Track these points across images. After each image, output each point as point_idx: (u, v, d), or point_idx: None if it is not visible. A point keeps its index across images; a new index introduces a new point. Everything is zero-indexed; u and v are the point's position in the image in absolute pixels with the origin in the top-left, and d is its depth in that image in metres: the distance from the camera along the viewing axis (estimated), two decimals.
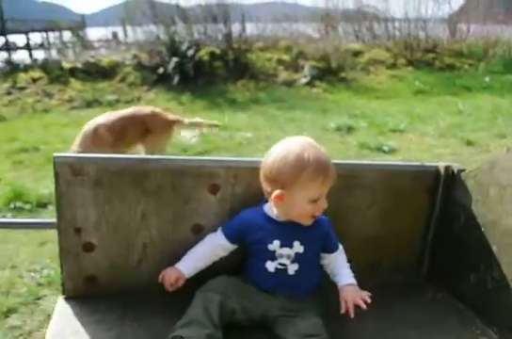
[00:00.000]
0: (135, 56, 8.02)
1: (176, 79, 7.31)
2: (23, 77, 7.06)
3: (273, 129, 5.39)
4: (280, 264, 1.23)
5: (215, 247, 1.30)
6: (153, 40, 8.44)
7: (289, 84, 7.75)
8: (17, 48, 33.43)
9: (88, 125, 3.48)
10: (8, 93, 6.72)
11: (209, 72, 7.79)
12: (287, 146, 1.19)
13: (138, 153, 3.73)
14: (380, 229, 1.45)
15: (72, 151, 3.30)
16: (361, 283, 1.26)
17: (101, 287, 1.35)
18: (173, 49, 7.76)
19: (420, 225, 1.50)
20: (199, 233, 1.35)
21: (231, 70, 8.03)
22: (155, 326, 1.21)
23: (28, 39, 34.26)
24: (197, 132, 3.98)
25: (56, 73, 7.21)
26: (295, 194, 1.17)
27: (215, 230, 1.32)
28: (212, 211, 1.34)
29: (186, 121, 3.84)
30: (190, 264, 1.29)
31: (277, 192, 1.17)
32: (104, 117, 3.62)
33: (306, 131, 5.04)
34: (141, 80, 7.51)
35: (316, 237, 1.25)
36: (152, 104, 6.90)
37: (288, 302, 1.21)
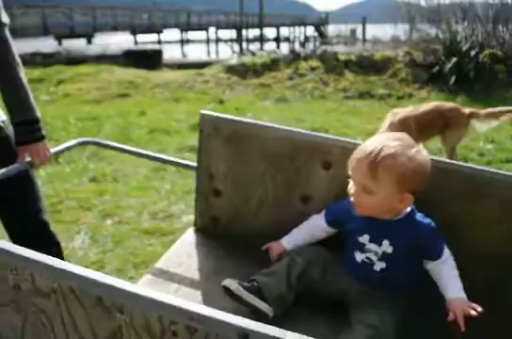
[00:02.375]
0: (407, 53, 7.89)
1: (452, 79, 6.93)
2: (303, 65, 7.67)
3: None
4: (367, 258, 1.22)
5: (316, 228, 1.35)
6: (428, 39, 8.16)
7: None
8: (268, 40, 36.72)
9: (396, 116, 3.52)
10: (290, 78, 7.38)
11: (488, 76, 7.15)
12: (384, 135, 1.20)
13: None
14: (507, 247, 1.25)
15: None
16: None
17: (223, 227, 1.56)
18: (452, 48, 7.37)
19: None
20: (306, 202, 1.43)
21: None
22: (250, 268, 1.30)
23: (278, 32, 37.07)
24: (493, 122, 3.71)
25: (332, 64, 7.61)
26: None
27: (321, 202, 1.37)
28: (321, 185, 1.39)
29: (482, 112, 3.65)
30: (292, 240, 1.36)
31: None
32: (412, 110, 3.68)
33: None
34: (413, 77, 7.35)
35: (409, 240, 1.18)
36: (424, 102, 6.70)
37: (369, 292, 1.21)
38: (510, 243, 1.24)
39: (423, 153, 1.15)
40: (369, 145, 1.13)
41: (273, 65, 7.73)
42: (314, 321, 1.21)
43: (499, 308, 1.21)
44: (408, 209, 1.20)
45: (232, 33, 33.57)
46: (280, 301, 1.19)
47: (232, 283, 1.18)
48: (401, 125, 3.48)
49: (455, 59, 7.08)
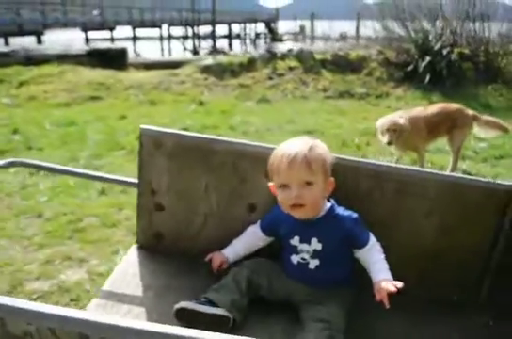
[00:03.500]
0: (380, 52, 8.02)
1: (427, 78, 7.10)
2: (281, 65, 7.61)
3: None
4: (302, 258, 1.30)
5: (254, 237, 1.41)
6: (396, 37, 8.33)
7: None
8: (220, 37, 36.38)
9: (405, 117, 3.55)
10: (270, 78, 7.30)
11: (458, 74, 7.39)
12: (285, 142, 1.30)
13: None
14: (437, 241, 1.38)
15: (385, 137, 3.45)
16: (410, 295, 1.22)
17: (167, 244, 1.53)
18: (424, 47, 7.56)
19: (484, 243, 1.38)
20: (252, 211, 1.46)
21: (481, 72, 7.51)
22: (200, 285, 1.33)
23: (230, 29, 36.91)
24: (490, 132, 3.86)
25: (309, 63, 7.60)
26: (274, 183, 1.27)
27: (267, 211, 1.40)
28: (266, 194, 1.38)
29: (483, 118, 3.80)
30: (234, 251, 1.42)
31: (270, 185, 1.30)
32: (421, 111, 3.77)
33: None
34: (388, 76, 7.49)
35: (335, 234, 1.27)
36: (401, 100, 6.83)
37: (312, 291, 1.28)
38: (439, 235, 1.37)
39: (319, 140, 1.32)
40: (287, 150, 1.24)
41: (250, 65, 7.62)
42: (270, 323, 1.26)
43: (432, 294, 1.34)
44: (329, 205, 1.30)
45: (183, 30, 33.01)
46: (235, 306, 1.23)
47: (184, 303, 1.21)
48: (411, 127, 3.50)
49: (428, 58, 7.26)
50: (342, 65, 7.68)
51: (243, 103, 6.60)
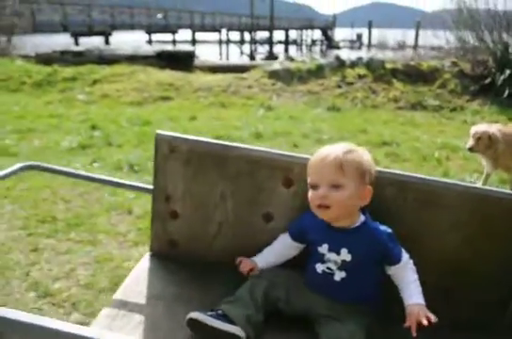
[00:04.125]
0: (454, 64, 7.74)
1: (506, 92, 6.78)
2: (350, 73, 7.50)
3: None
4: (327, 268, 1.24)
5: (285, 245, 1.35)
6: (470, 48, 8.01)
7: None
8: (276, 42, 36.61)
9: (501, 131, 3.38)
10: (339, 86, 7.21)
11: None
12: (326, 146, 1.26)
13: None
14: (462, 255, 1.32)
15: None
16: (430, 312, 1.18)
17: (180, 252, 1.49)
18: (504, 60, 7.22)
19: (510, 258, 1.30)
20: (269, 221, 1.41)
21: None
22: (213, 295, 1.30)
23: (287, 35, 37.09)
24: None
25: (379, 72, 7.45)
26: (308, 182, 1.23)
27: (284, 221, 1.37)
28: (283, 203, 1.37)
29: None
30: (264, 258, 1.36)
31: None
32: (501, 127, 3.58)
33: None
34: (462, 88, 7.20)
35: (367, 247, 1.21)
36: (477, 115, 6.55)
37: (333, 305, 1.22)
38: (461, 250, 1.31)
39: (363, 148, 1.27)
40: (324, 150, 1.22)
41: (318, 72, 7.56)
42: None
43: (451, 313, 1.27)
44: (363, 218, 1.24)
45: (240, 35, 33.41)
46: (250, 322, 1.17)
47: (196, 315, 1.16)
48: (507, 144, 3.34)
49: (508, 72, 6.93)
50: (413, 75, 7.47)
51: (312, 109, 6.55)
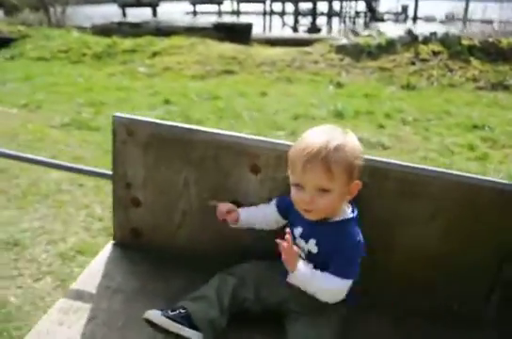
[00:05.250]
0: None
1: None
2: (424, 49, 7.08)
3: None
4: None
5: (271, 211, 1.27)
6: None
7: None
8: (320, 14, 35.35)
9: None
10: (412, 63, 6.82)
11: None
12: (314, 129, 1.14)
13: None
14: (442, 246, 1.25)
15: None
16: (410, 304, 1.22)
17: (144, 241, 1.43)
18: None
19: (496, 251, 1.23)
20: None
21: None
22: (176, 288, 1.25)
23: (331, 6, 35.66)
24: None
25: (455, 49, 6.99)
26: (290, 174, 1.13)
27: None
28: (251, 190, 1.29)
29: None
30: (247, 212, 1.27)
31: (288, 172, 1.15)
32: None
33: None
34: None
35: (333, 246, 1.11)
36: None
37: (303, 299, 1.13)
38: (444, 239, 1.23)
39: (353, 134, 1.13)
40: (310, 144, 1.06)
41: (389, 47, 7.17)
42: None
43: (432, 306, 1.23)
44: (350, 215, 1.15)
45: (282, 5, 32.46)
46: (212, 327, 1.10)
47: (154, 315, 1.07)
48: None
49: None
50: (492, 53, 6.98)
51: (385, 87, 6.23)
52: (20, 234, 2.29)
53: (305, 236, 1.15)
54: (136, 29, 9.77)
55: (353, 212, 1.16)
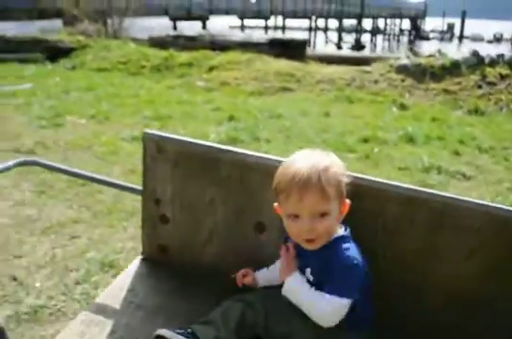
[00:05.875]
0: None
1: None
2: (491, 72, 6.85)
3: None
4: None
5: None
6: None
7: None
8: (364, 31, 35.30)
9: None
10: (479, 86, 6.61)
11: None
12: (295, 156, 1.12)
13: None
14: (482, 287, 1.10)
15: None
16: None
17: (171, 258, 1.43)
18: None
19: None
20: (261, 232, 1.31)
21: None
22: (196, 310, 1.21)
23: (375, 23, 35.48)
24: None
25: None
26: (281, 206, 1.10)
27: (276, 231, 1.25)
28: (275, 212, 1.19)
29: None
30: (262, 274, 1.25)
31: (275, 205, 1.13)
32: None
33: None
34: None
35: (325, 271, 1.05)
36: None
37: (314, 331, 1.06)
38: (481, 279, 1.11)
39: (333, 154, 1.11)
40: (298, 170, 1.04)
41: (453, 69, 6.98)
42: None
43: None
44: (340, 233, 1.10)
45: (325, 22, 32.48)
46: None
47: (164, 331, 1.09)
48: None
49: None
50: None
51: (451, 111, 6.04)
52: (114, 255, 2.26)
53: (302, 267, 1.12)
54: (191, 42, 9.94)
55: (345, 230, 1.11)
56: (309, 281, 1.09)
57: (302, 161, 1.07)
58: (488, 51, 7.74)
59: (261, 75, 7.70)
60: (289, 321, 1.12)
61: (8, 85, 6.80)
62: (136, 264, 1.47)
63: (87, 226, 2.56)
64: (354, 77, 7.26)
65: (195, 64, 8.70)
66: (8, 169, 1.53)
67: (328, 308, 1.02)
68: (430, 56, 7.81)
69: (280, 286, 1.12)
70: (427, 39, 47.64)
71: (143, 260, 1.48)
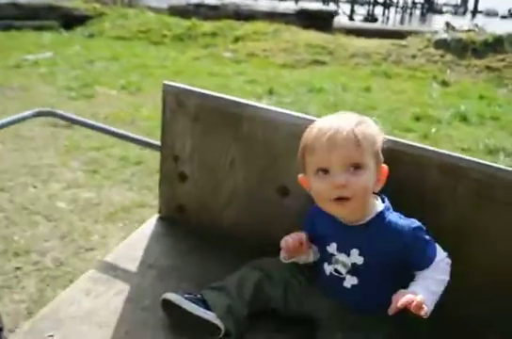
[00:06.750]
0: None
1: None
2: None
3: None
4: (335, 270, 1.01)
5: None
6: None
7: None
8: (377, 3, 34.14)
9: None
10: None
11: None
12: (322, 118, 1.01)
13: None
14: None
15: None
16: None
17: (189, 217, 1.37)
18: None
19: None
20: (284, 195, 1.22)
21: None
22: (211, 272, 1.17)
23: None
24: None
25: None
26: (307, 169, 0.96)
27: (300, 196, 1.10)
28: None
29: None
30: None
31: (300, 176, 1.02)
32: None
33: None
34: None
35: (385, 248, 0.94)
36: None
37: (341, 314, 0.99)
38: None
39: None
40: (326, 123, 0.94)
41: (496, 45, 6.63)
42: None
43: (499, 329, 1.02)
44: (380, 206, 0.97)
45: None
46: (231, 314, 1.00)
47: (171, 295, 1.01)
48: None
49: None
50: None
51: (496, 89, 5.75)
52: None
53: (343, 249, 0.99)
54: (214, 12, 9.51)
55: (383, 201, 0.99)
56: (354, 265, 0.98)
57: (333, 119, 0.97)
58: (501, 27, 7.38)
59: (290, 47, 7.36)
60: (309, 300, 1.04)
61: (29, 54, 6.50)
62: (151, 222, 1.41)
63: (154, 211, 2.37)
64: (390, 52, 6.92)
65: (219, 34, 8.32)
66: (23, 119, 1.48)
67: (447, 274, 0.95)
68: (469, 30, 7.43)
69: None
70: (440, 12, 46.18)
71: (160, 218, 1.42)
